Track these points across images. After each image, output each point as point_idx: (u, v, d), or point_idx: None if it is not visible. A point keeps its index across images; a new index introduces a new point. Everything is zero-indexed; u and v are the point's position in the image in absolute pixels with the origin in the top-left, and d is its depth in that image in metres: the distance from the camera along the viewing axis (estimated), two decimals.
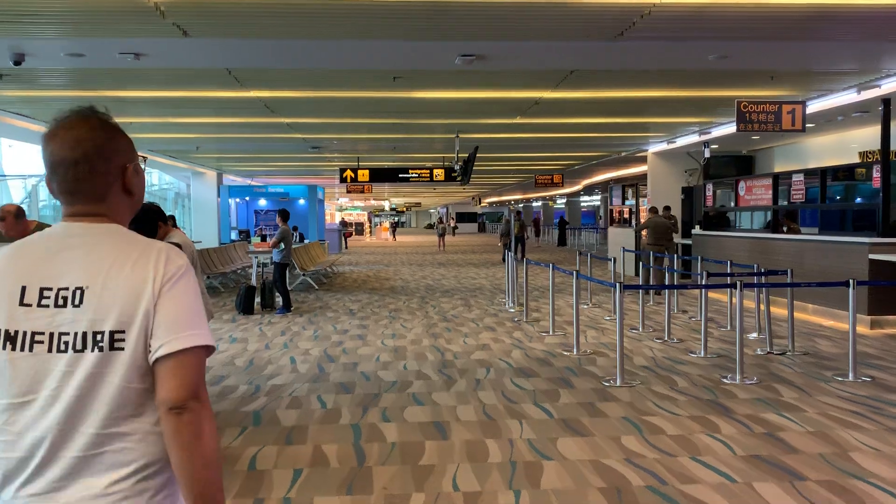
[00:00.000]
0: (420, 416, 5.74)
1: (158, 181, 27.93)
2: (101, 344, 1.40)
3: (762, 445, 4.91)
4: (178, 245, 4.92)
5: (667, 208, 15.42)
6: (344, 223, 39.27)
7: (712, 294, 13.69)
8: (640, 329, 9.78)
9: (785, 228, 12.64)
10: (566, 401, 6.15)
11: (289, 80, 8.43)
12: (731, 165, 17.32)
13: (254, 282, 12.75)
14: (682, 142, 15.01)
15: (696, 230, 15.63)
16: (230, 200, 24.72)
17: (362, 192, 27.70)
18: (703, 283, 8.46)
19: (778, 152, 16.43)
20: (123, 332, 1.40)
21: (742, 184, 13.44)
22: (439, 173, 17.47)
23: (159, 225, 4.92)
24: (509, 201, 61.23)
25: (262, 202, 25.66)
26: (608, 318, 11.00)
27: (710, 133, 13.50)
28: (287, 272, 12.52)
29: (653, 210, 14.54)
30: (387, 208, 69.18)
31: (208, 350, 1.47)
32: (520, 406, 5.99)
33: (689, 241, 16.00)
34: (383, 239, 50.44)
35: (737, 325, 6.94)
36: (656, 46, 6.76)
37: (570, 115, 11.39)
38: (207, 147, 15.34)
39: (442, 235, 35.21)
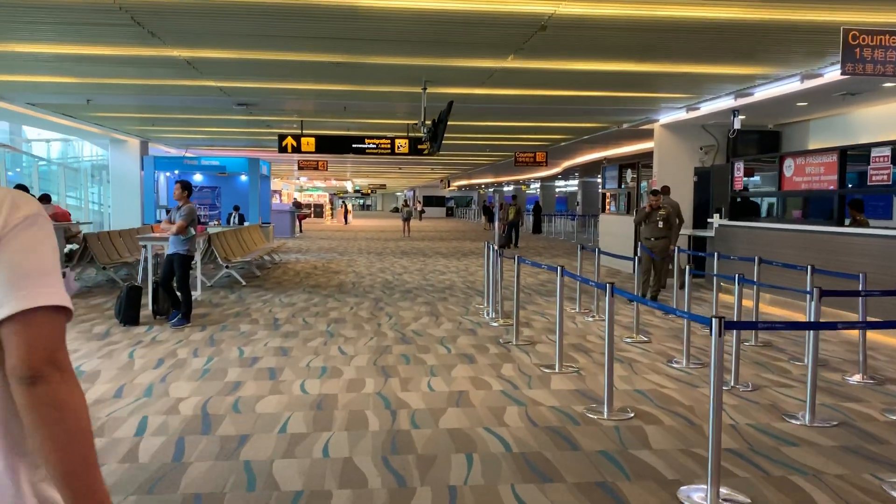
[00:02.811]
0: None
1: (90, 152, 24.27)
2: None
3: None
4: None
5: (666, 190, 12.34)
6: (298, 204, 35.67)
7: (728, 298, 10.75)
8: (684, 362, 6.74)
9: (848, 220, 9.71)
10: None
11: None
12: (753, 142, 14.38)
13: (140, 280, 9.44)
14: (708, 108, 11.96)
15: (717, 220, 12.68)
16: (160, 175, 21.18)
17: (316, 168, 24.45)
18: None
19: (814, 126, 13.51)
20: None
21: (790, 162, 10.46)
22: (402, 144, 14.22)
23: None
24: (480, 185, 58.15)
25: (198, 177, 22.11)
26: (628, 339, 7.93)
27: (751, 94, 10.45)
28: (189, 267, 9.24)
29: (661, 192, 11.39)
30: (350, 189, 65.60)
31: (67, 314, 1.21)
32: None
33: (706, 234, 13.05)
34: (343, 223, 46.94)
35: None
36: None
37: (581, 56, 8.24)
38: (103, 101, 11.85)
39: (407, 220, 31.97)
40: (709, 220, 13.68)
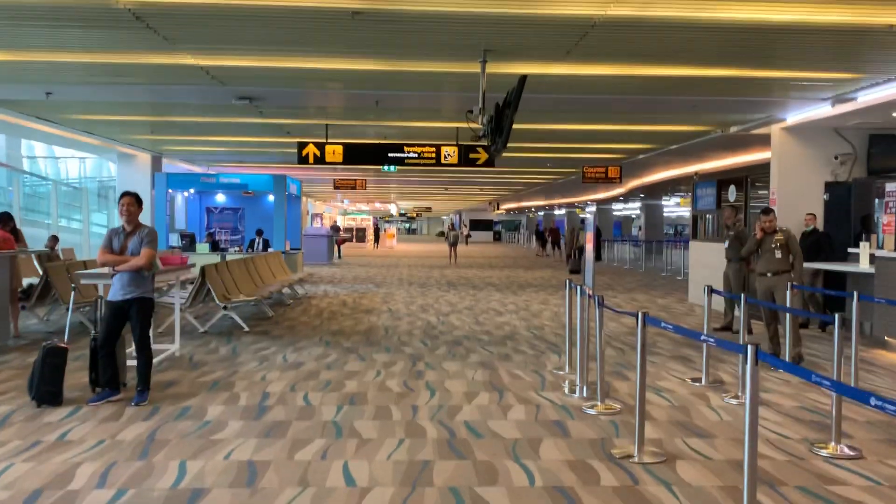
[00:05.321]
0: None
1: (103, 171, 22.18)
2: None
3: None
4: None
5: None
6: (336, 228, 33.06)
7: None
8: None
9: None
10: None
11: None
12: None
13: (67, 336, 6.70)
14: (871, 97, 8.77)
15: (865, 249, 9.45)
16: (177, 195, 18.75)
17: (354, 187, 21.90)
18: None
19: None
20: None
21: None
22: (450, 152, 11.39)
23: None
24: (530, 208, 55.10)
25: (220, 197, 19.63)
26: (822, 450, 4.81)
27: None
28: (152, 316, 6.48)
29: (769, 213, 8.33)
30: (394, 213, 63.28)
31: None
32: None
33: (846, 268, 9.81)
34: (388, 247, 44.36)
35: None
36: None
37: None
38: (66, 94, 9.26)
39: (454, 245, 29.06)
40: (850, 249, 10.45)
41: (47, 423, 5.33)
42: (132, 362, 6.30)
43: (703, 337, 3.99)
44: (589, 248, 6.64)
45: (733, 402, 6.17)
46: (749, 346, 3.46)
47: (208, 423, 5.35)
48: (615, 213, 54.15)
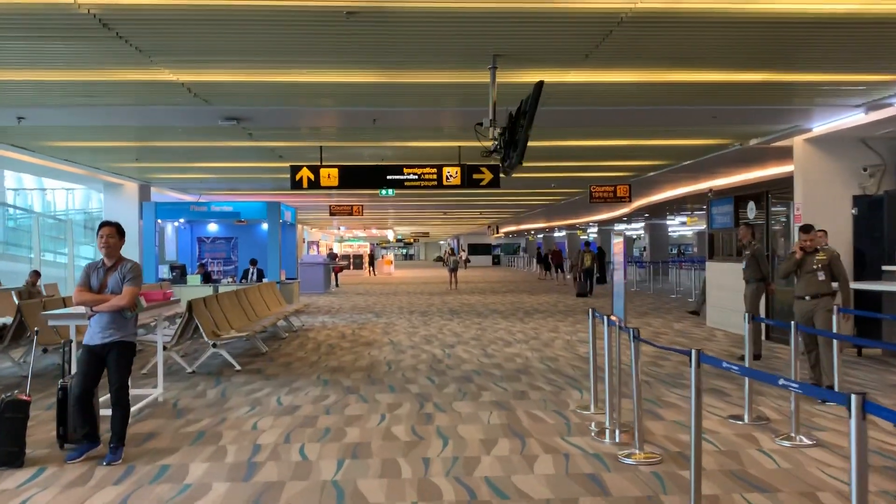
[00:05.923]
0: None
1: (88, 203, 21.52)
2: None
3: None
4: None
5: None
6: (332, 255, 32.30)
7: None
8: None
9: None
10: None
11: None
12: None
13: (28, 388, 5.98)
14: None
15: None
16: (166, 225, 18.06)
17: (350, 213, 21.25)
18: None
19: None
20: None
21: None
22: (453, 173, 10.74)
23: None
24: (529, 230, 54.49)
25: (213, 227, 18.93)
26: None
27: None
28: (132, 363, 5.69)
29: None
30: (391, 239, 62.62)
31: None
32: None
33: (881, 287, 9.14)
34: (386, 273, 43.62)
35: None
36: None
37: None
38: (40, 117, 8.59)
39: (454, 270, 28.32)
40: (885, 267, 9.78)
41: (3, 490, 4.59)
42: (105, 411, 5.60)
43: (781, 382, 3.26)
44: (619, 274, 5.93)
45: (786, 443, 5.45)
46: (854, 396, 2.76)
47: (189, 486, 4.61)
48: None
